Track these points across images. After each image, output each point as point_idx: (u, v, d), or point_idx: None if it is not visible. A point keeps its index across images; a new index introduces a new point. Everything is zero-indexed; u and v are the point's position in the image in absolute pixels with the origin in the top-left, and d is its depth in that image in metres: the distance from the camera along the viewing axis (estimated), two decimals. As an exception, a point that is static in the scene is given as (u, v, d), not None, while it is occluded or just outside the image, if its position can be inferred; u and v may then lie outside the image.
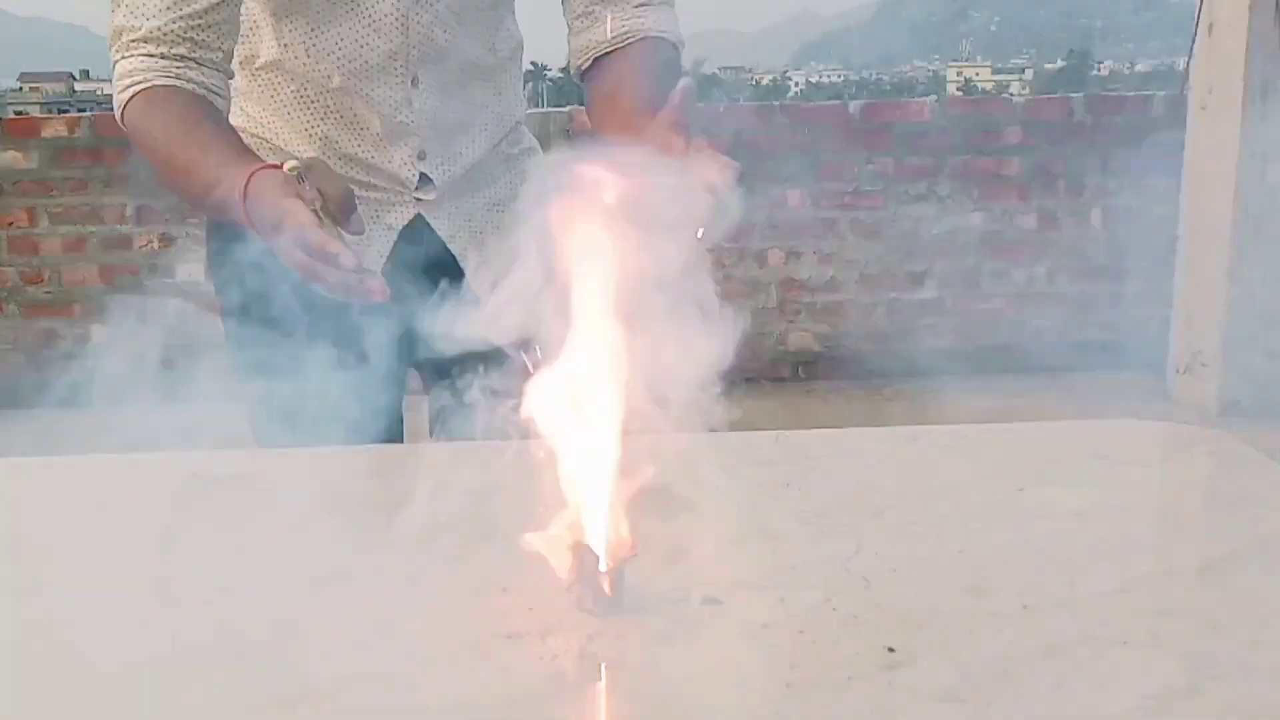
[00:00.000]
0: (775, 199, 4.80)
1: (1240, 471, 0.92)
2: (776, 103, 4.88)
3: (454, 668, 0.62)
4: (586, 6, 1.26)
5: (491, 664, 0.62)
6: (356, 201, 0.99)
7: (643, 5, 1.26)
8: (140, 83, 1.12)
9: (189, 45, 1.14)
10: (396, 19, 1.20)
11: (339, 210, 0.97)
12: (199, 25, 1.14)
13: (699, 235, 0.92)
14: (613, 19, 1.25)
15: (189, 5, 1.13)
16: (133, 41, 1.14)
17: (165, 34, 1.12)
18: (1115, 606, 0.68)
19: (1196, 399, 4.34)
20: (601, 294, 0.71)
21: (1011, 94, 11.41)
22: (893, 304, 4.94)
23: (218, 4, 1.14)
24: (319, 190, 0.96)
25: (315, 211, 0.94)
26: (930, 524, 0.81)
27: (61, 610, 0.70)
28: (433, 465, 1.00)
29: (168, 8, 1.12)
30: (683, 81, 1.04)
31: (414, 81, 1.24)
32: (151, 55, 1.12)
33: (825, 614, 0.67)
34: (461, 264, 1.28)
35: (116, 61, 1.16)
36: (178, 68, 1.12)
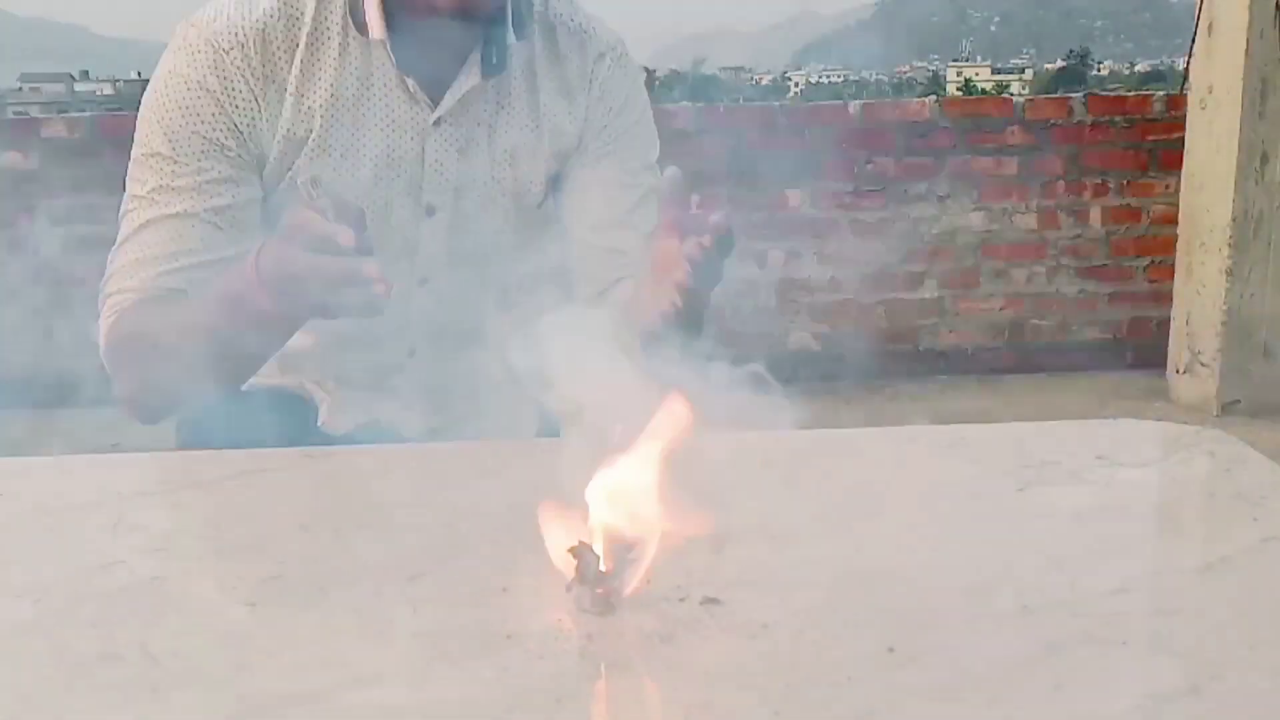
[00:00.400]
0: (775, 199, 4.80)
1: (1240, 471, 0.92)
2: (776, 103, 4.88)
3: (454, 668, 0.62)
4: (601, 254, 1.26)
5: (491, 664, 0.62)
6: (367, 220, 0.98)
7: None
8: (128, 298, 1.17)
9: (174, 293, 1.14)
10: (398, 295, 1.18)
11: (351, 221, 0.95)
12: (189, 279, 1.14)
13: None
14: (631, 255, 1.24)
15: (174, 261, 1.14)
16: (118, 291, 1.18)
17: (151, 287, 1.15)
18: (1115, 606, 0.68)
19: (1196, 399, 4.34)
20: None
21: (1011, 94, 11.40)
22: (893, 304, 4.94)
23: (205, 263, 1.14)
24: (332, 201, 0.95)
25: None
26: (930, 524, 0.81)
27: (61, 610, 0.70)
28: (433, 464, 1.00)
29: (150, 261, 1.15)
30: (669, 173, 1.10)
31: (411, 352, 1.27)
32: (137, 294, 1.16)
33: (825, 614, 0.67)
34: None
35: (102, 306, 1.20)
36: (165, 294, 1.15)
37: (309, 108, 1.15)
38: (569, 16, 1.27)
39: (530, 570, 0.75)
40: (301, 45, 1.15)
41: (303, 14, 1.16)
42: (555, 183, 1.28)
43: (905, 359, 4.99)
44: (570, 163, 1.28)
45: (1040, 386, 4.82)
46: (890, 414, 4.48)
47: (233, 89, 1.14)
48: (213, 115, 1.14)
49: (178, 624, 0.68)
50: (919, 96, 8.07)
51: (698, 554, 0.77)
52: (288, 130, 1.15)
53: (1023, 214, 4.87)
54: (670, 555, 0.76)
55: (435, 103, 1.19)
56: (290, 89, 1.15)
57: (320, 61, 1.16)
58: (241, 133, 1.15)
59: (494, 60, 1.18)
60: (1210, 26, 4.10)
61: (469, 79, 1.18)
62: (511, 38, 1.19)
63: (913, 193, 4.83)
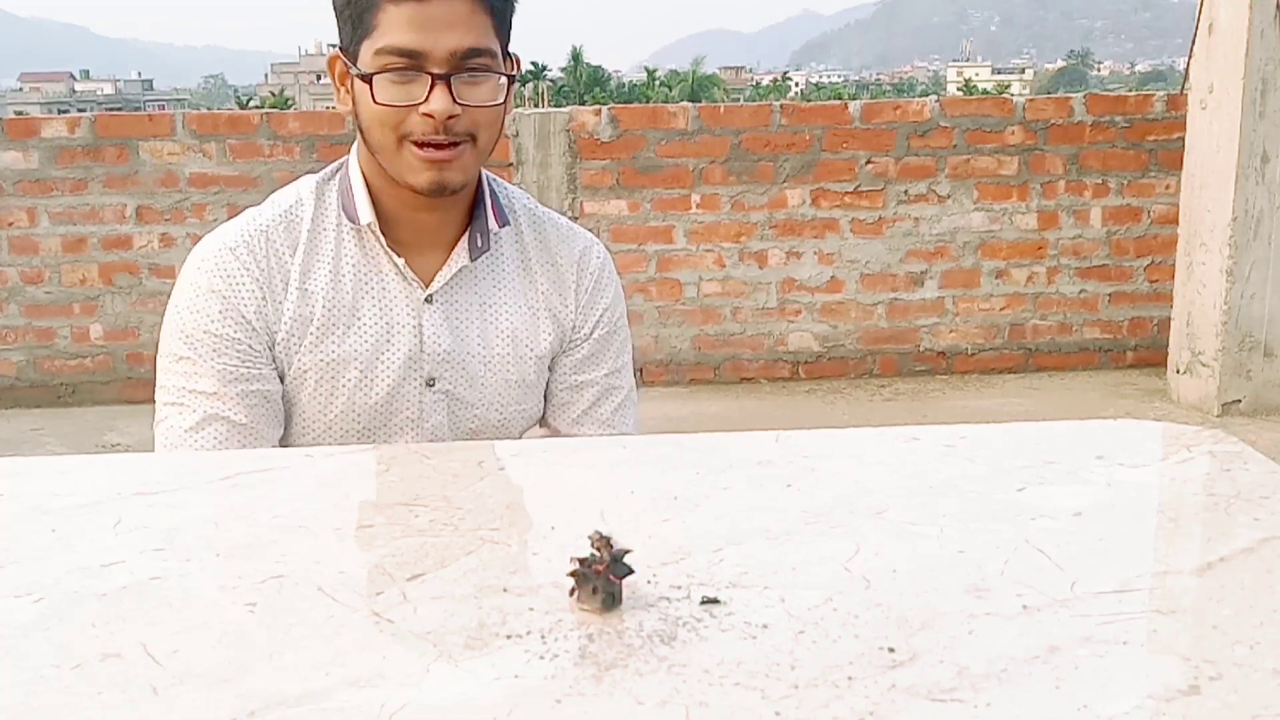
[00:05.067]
0: (775, 199, 4.80)
1: (1240, 471, 0.92)
2: (777, 103, 4.88)
3: (454, 668, 0.62)
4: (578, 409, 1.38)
5: (491, 664, 0.62)
6: None
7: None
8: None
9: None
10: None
11: None
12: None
13: None
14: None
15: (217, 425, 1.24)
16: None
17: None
18: (1115, 606, 0.68)
19: (1196, 399, 4.34)
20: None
21: (1012, 94, 11.40)
22: (893, 304, 4.94)
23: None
24: None
25: None
26: (930, 524, 0.81)
27: (61, 610, 0.70)
28: (434, 465, 1.00)
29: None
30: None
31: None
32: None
33: (825, 614, 0.67)
34: None
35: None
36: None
37: (311, 292, 1.26)
38: (555, 216, 1.40)
39: (530, 570, 0.75)
40: (302, 241, 1.28)
41: (302, 217, 1.29)
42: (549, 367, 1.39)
43: (905, 359, 4.99)
44: (562, 357, 1.38)
45: (1040, 386, 4.82)
46: (890, 414, 4.48)
47: (237, 284, 1.25)
48: (220, 313, 1.24)
49: (178, 624, 0.68)
50: (919, 96, 8.04)
51: (698, 554, 0.77)
52: (294, 314, 1.26)
53: (1023, 214, 4.87)
54: (670, 555, 0.76)
55: (430, 280, 1.29)
56: (294, 280, 1.27)
57: (319, 252, 1.28)
58: (250, 323, 1.25)
59: (479, 244, 1.30)
60: (1210, 26, 4.10)
61: (458, 261, 1.29)
62: (493, 224, 1.31)
63: (913, 193, 4.83)
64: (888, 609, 0.68)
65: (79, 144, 4.61)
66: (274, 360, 1.27)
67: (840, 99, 12.79)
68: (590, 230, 1.46)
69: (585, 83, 75.59)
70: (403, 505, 0.88)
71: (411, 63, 1.17)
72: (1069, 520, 0.82)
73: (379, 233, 1.27)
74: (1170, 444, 1.00)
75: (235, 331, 1.24)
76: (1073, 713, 0.57)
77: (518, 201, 1.38)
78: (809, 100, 10.13)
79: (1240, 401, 4.24)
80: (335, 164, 1.34)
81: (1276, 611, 0.67)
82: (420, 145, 1.20)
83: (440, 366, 1.29)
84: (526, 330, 1.34)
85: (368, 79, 1.18)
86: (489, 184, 1.33)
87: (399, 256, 1.27)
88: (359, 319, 1.27)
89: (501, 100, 1.23)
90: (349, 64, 1.22)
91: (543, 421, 1.40)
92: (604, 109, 4.70)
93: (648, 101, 41.31)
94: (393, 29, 1.17)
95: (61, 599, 0.72)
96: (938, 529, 0.80)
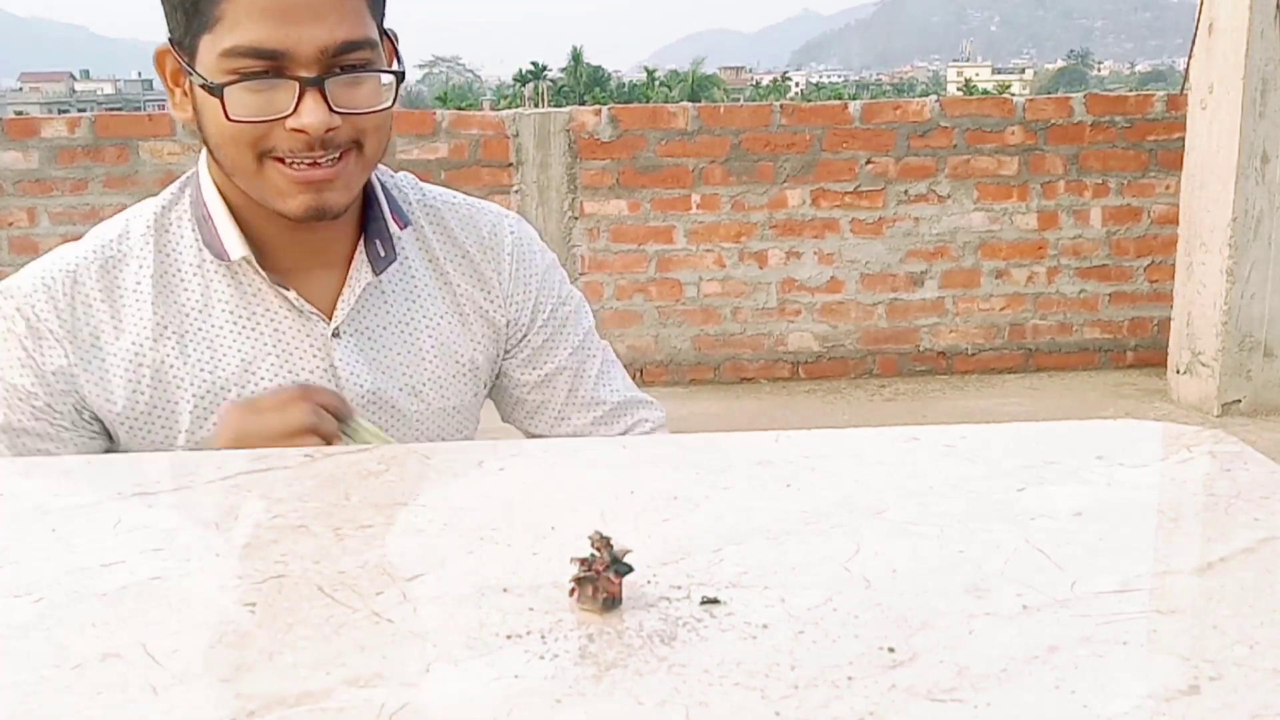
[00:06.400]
0: (775, 199, 4.80)
1: (1240, 471, 0.92)
2: (777, 103, 4.88)
3: (454, 668, 0.62)
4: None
5: (491, 664, 0.62)
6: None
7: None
8: None
9: None
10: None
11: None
12: None
13: None
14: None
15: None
16: None
17: None
18: (1115, 606, 0.68)
19: (1196, 399, 4.34)
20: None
21: (1012, 94, 11.40)
22: (893, 304, 4.94)
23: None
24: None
25: None
26: (930, 524, 0.81)
27: (61, 610, 0.70)
28: (434, 465, 1.00)
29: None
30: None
31: None
32: None
33: (825, 614, 0.67)
34: None
35: None
36: None
37: (181, 359, 1.05)
38: (449, 195, 1.20)
39: (530, 570, 0.75)
40: (141, 284, 1.05)
41: (126, 256, 1.06)
42: (499, 379, 1.21)
43: (905, 359, 4.99)
44: (511, 360, 1.20)
45: (1040, 386, 4.83)
46: (890, 414, 4.48)
47: (40, 339, 1.04)
48: (19, 361, 1.04)
49: (178, 624, 0.68)
50: (919, 96, 8.05)
51: (698, 554, 0.77)
52: (158, 384, 1.04)
53: (1023, 214, 4.87)
54: (670, 555, 0.76)
55: (331, 310, 1.09)
56: (130, 339, 1.04)
57: (177, 302, 1.05)
58: (52, 386, 1.04)
59: (381, 253, 1.08)
60: (1210, 26, 4.10)
61: (360, 278, 1.08)
62: (394, 226, 1.10)
63: (913, 193, 4.83)
64: (888, 609, 0.68)
65: (79, 144, 4.61)
66: (98, 427, 1.06)
67: (840, 99, 12.79)
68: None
69: (585, 83, 75.67)
70: (403, 505, 0.87)
71: (271, 64, 0.94)
72: (1069, 520, 0.82)
73: (258, 267, 1.05)
74: (1170, 444, 1.00)
75: (33, 387, 1.04)
76: (1073, 713, 0.56)
77: (409, 191, 1.16)
78: (809, 100, 10.14)
79: (1240, 401, 4.24)
80: (176, 185, 1.10)
81: (1276, 611, 0.67)
82: (289, 163, 0.98)
83: (364, 409, 1.08)
84: (458, 342, 1.14)
85: (216, 91, 0.95)
86: (377, 179, 1.12)
87: (287, 289, 1.06)
88: (255, 377, 1.05)
89: (390, 103, 1.00)
90: (185, 66, 0.99)
91: (524, 431, 1.25)
92: (604, 109, 4.70)
93: (647, 101, 41.36)
94: (242, 23, 0.93)
95: (61, 599, 0.72)
96: (938, 529, 0.80)
